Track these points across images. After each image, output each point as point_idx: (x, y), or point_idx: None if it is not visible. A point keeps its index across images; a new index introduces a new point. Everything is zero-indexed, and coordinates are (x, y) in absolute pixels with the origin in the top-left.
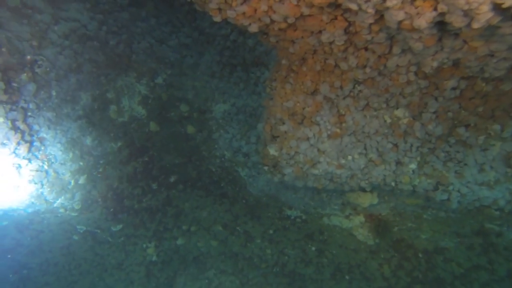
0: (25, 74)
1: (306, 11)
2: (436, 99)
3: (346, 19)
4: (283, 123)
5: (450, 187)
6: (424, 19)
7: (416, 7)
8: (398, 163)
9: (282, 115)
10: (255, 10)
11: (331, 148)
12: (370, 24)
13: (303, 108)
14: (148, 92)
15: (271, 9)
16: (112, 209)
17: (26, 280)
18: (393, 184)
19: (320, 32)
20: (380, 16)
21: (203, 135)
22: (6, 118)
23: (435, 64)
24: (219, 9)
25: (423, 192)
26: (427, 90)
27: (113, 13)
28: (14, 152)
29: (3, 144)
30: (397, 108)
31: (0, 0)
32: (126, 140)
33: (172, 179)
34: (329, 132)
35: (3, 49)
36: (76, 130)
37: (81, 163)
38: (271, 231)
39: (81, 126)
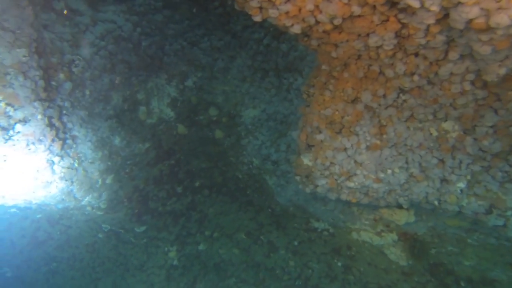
0: (63, 73)
1: (357, 10)
2: (496, 111)
3: (399, 21)
4: (320, 132)
5: (508, 212)
6: (507, 15)
7: (498, 1)
8: (444, 180)
9: (319, 124)
10: (300, 10)
11: (369, 160)
12: (428, 26)
13: (342, 117)
14: (178, 95)
15: (317, 8)
16: (136, 210)
17: (55, 273)
18: (436, 203)
19: (367, 35)
20: (443, 15)
21: (231, 140)
22: (44, 115)
23: (502, 71)
24: (260, 8)
25: (471, 214)
26: (484, 102)
27: (147, 15)
28: (48, 149)
29: (40, 141)
30: (446, 121)
31: (48, 4)
32: (153, 142)
33: (197, 184)
34: (368, 144)
35: (46, 49)
36: (106, 129)
37: (109, 163)
38: (296, 243)
39: (111, 125)
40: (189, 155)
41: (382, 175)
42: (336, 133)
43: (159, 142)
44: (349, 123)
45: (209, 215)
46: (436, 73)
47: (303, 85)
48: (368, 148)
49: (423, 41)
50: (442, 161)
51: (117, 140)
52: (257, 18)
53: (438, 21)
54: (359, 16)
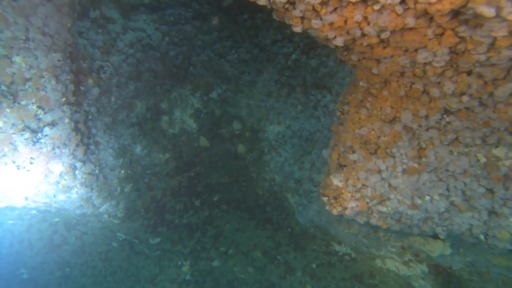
0: (92, 79)
1: (410, 22)
2: None
3: (456, 34)
4: (353, 152)
5: None
6: None
7: None
8: (493, 213)
9: (353, 143)
10: (346, 21)
11: (405, 184)
12: (495, 39)
13: (378, 137)
14: (201, 106)
15: (365, 19)
16: (152, 221)
17: (67, 278)
18: (482, 237)
19: (415, 50)
20: None
21: (254, 155)
22: (71, 119)
23: None
24: (302, 18)
25: None
26: None
27: (177, 25)
28: (72, 154)
29: (65, 145)
30: (497, 147)
31: (84, 11)
32: (174, 153)
33: (216, 198)
34: (405, 167)
35: (79, 55)
36: (128, 137)
37: (129, 171)
38: (314, 265)
39: (133, 133)
40: (209, 168)
41: (419, 201)
42: (371, 154)
43: (179, 153)
44: (385, 144)
45: (226, 231)
46: (491, 94)
47: (337, 102)
48: (404, 171)
49: (482, 58)
50: (490, 191)
51: (138, 149)
52: (297, 29)
53: (510, 33)
54: (411, 29)
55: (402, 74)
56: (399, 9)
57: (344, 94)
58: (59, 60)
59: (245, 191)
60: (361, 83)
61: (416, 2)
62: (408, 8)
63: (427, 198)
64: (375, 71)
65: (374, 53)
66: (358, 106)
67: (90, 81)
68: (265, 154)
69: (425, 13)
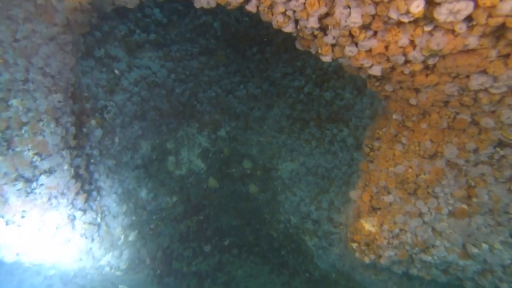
0: (95, 119)
1: (472, 43)
2: None
3: None
4: (389, 193)
5: None
6: None
7: None
8: None
9: (388, 183)
10: (387, 46)
11: (453, 229)
12: None
13: (417, 175)
14: (209, 145)
15: (412, 43)
16: (158, 271)
17: None
18: None
19: (467, 76)
20: None
21: (267, 196)
22: (71, 165)
23: None
24: (332, 46)
25: None
26: None
27: (183, 61)
28: (71, 203)
29: (63, 194)
30: None
31: (88, 51)
32: (182, 196)
33: (226, 242)
34: (451, 208)
35: (82, 95)
36: (133, 180)
37: (134, 218)
38: None
39: (138, 176)
40: (219, 210)
41: (474, 250)
42: (409, 195)
43: (187, 196)
44: (426, 183)
45: (238, 278)
46: None
47: (365, 138)
48: (451, 213)
49: None
50: None
51: (143, 193)
52: (327, 58)
53: None
54: (466, 51)
55: (446, 103)
56: (461, 27)
57: (373, 129)
58: (59, 101)
59: (258, 234)
60: (394, 116)
61: (489, 16)
62: (475, 25)
63: (485, 246)
64: (413, 102)
65: (414, 82)
66: (391, 141)
67: (93, 122)
68: (278, 194)
69: (496, 29)
